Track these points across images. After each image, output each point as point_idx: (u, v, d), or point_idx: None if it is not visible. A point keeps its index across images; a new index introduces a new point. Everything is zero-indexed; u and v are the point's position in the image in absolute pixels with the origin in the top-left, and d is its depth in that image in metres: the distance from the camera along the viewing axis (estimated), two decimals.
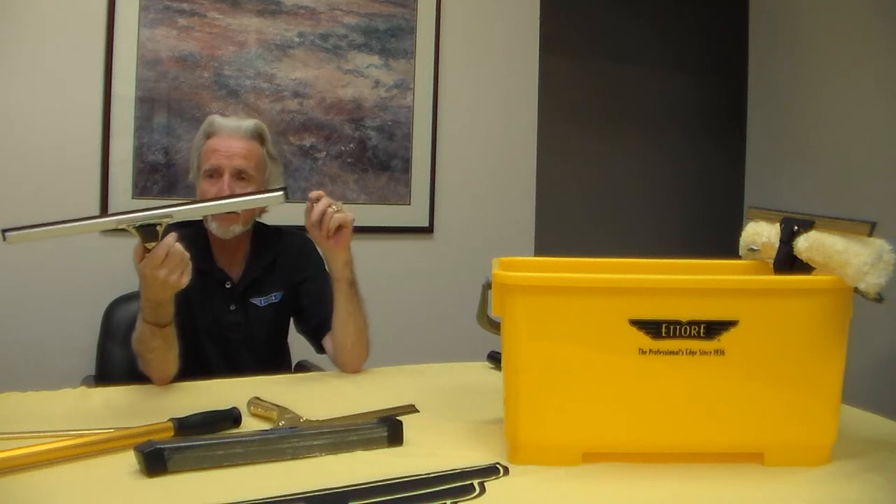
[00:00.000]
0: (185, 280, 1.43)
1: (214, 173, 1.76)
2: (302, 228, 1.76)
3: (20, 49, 2.27)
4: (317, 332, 1.82)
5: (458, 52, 2.82)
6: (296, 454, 1.15)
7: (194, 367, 1.66)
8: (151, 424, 1.21)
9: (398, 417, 1.25)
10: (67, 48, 2.31)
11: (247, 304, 1.84)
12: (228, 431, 1.26)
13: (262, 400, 1.39)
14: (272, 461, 1.13)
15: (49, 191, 2.31)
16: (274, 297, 1.86)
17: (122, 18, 2.35)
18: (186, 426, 1.22)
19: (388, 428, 1.21)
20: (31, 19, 2.28)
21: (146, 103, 2.40)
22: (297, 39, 2.58)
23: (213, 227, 1.78)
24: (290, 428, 1.21)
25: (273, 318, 1.87)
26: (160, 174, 2.42)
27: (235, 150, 1.77)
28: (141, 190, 2.40)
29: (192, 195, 2.36)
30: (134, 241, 1.44)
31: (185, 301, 1.70)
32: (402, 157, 2.75)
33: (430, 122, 2.78)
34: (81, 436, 1.16)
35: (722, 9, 3.54)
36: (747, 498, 1.06)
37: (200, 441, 1.13)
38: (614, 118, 3.43)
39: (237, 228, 1.79)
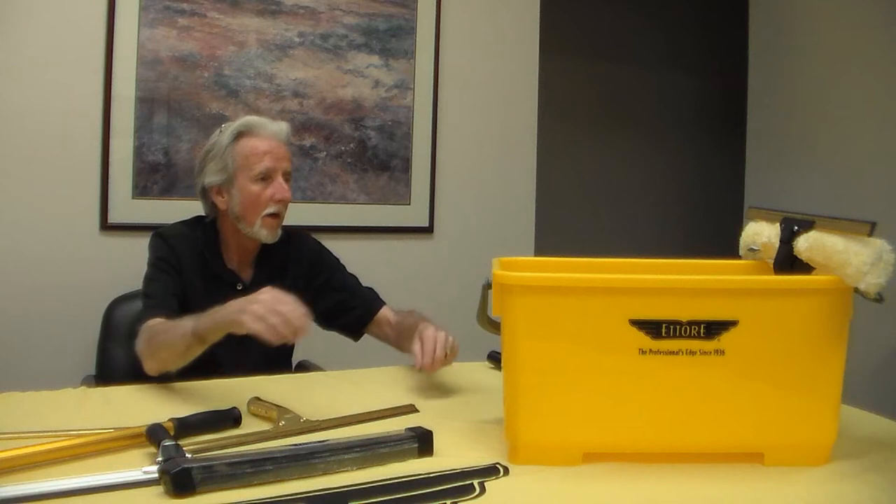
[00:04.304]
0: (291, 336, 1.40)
1: (266, 176, 1.73)
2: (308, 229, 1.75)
3: (20, 49, 2.27)
4: (360, 321, 1.86)
5: (458, 52, 2.82)
6: (327, 470, 1.10)
7: (200, 368, 1.62)
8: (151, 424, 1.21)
9: (399, 417, 1.24)
10: (67, 48, 2.31)
11: None
12: (255, 446, 1.19)
13: (262, 400, 1.39)
14: (303, 478, 1.07)
15: (49, 191, 2.31)
16: None
17: (122, 18, 2.35)
18: (186, 426, 1.22)
19: (417, 439, 1.18)
20: (31, 19, 2.28)
21: (146, 103, 2.40)
22: (297, 39, 2.58)
23: (262, 234, 1.75)
24: (321, 441, 1.16)
25: None
26: (160, 174, 2.42)
27: (283, 153, 1.77)
28: (141, 190, 2.40)
29: (190, 195, 2.36)
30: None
31: (197, 303, 1.69)
32: (402, 157, 2.75)
33: (430, 122, 2.78)
34: (81, 436, 1.16)
35: (722, 9, 3.54)
36: (747, 498, 1.06)
37: (229, 459, 1.07)
38: (615, 118, 3.43)
39: (280, 229, 1.79)
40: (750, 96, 3.43)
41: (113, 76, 2.34)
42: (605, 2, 3.39)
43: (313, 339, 1.87)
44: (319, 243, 1.95)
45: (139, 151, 2.40)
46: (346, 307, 1.87)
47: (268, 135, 1.76)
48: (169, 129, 2.43)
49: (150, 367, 1.56)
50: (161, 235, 1.78)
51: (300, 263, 1.86)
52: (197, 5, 2.44)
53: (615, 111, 3.43)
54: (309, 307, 1.81)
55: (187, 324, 1.50)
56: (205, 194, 1.81)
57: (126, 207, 2.38)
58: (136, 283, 2.23)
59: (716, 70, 3.56)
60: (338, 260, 1.94)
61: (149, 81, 2.40)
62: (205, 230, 1.81)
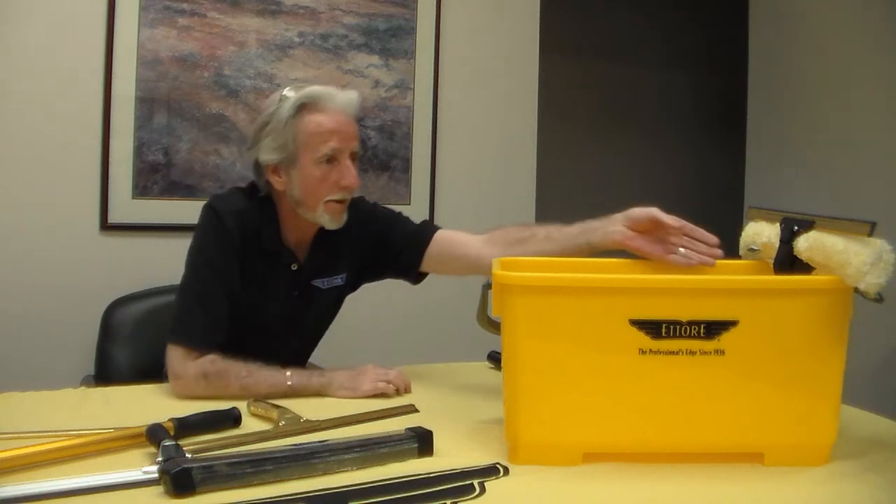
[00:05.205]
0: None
1: (332, 158, 1.55)
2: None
3: (20, 49, 2.27)
4: (412, 266, 1.70)
5: (458, 52, 2.82)
6: (327, 470, 1.09)
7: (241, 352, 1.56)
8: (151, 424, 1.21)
9: (399, 417, 1.24)
10: (67, 48, 2.31)
11: (309, 287, 1.66)
12: (255, 446, 1.19)
13: (262, 400, 1.39)
14: (303, 478, 1.07)
15: (49, 191, 2.31)
16: (339, 280, 1.70)
17: (122, 18, 2.35)
18: (186, 426, 1.22)
19: (417, 439, 1.18)
20: (31, 19, 2.28)
21: (146, 103, 2.40)
22: (297, 39, 2.58)
23: (325, 219, 1.58)
24: (321, 441, 1.15)
25: (332, 303, 1.73)
26: (160, 174, 2.42)
27: (352, 131, 1.57)
28: (141, 190, 2.40)
29: (190, 195, 2.36)
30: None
31: (250, 281, 1.58)
32: (402, 157, 2.75)
33: (430, 122, 2.78)
34: (81, 436, 1.16)
35: (722, 8, 3.54)
36: (747, 498, 1.06)
37: (229, 459, 1.07)
38: (614, 118, 3.43)
39: (345, 214, 1.61)
40: (750, 96, 3.42)
41: (113, 76, 2.34)
42: (605, 2, 3.39)
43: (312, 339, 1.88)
44: (374, 209, 1.76)
45: (139, 151, 2.40)
46: (399, 256, 1.71)
47: (335, 109, 1.56)
48: (169, 129, 2.43)
49: (190, 394, 1.47)
50: (216, 211, 1.57)
51: (358, 243, 1.70)
52: (197, 5, 2.44)
53: (615, 111, 3.43)
54: (357, 283, 1.76)
55: (277, 376, 1.49)
56: (259, 170, 1.61)
57: (126, 207, 2.38)
58: (137, 284, 2.24)
59: (716, 70, 3.56)
60: (394, 216, 1.75)
61: (149, 81, 2.40)
62: (261, 204, 1.62)
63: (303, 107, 1.54)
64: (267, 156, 1.56)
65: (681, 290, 1.15)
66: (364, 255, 1.71)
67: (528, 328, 1.14)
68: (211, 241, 1.56)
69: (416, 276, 1.74)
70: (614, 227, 1.45)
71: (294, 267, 1.64)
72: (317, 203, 1.56)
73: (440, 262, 1.69)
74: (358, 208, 1.69)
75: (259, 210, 1.60)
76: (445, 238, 1.69)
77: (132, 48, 2.37)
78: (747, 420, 1.15)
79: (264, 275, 1.60)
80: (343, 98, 1.57)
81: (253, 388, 1.45)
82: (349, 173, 1.56)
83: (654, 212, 1.41)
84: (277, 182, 1.58)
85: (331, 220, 1.58)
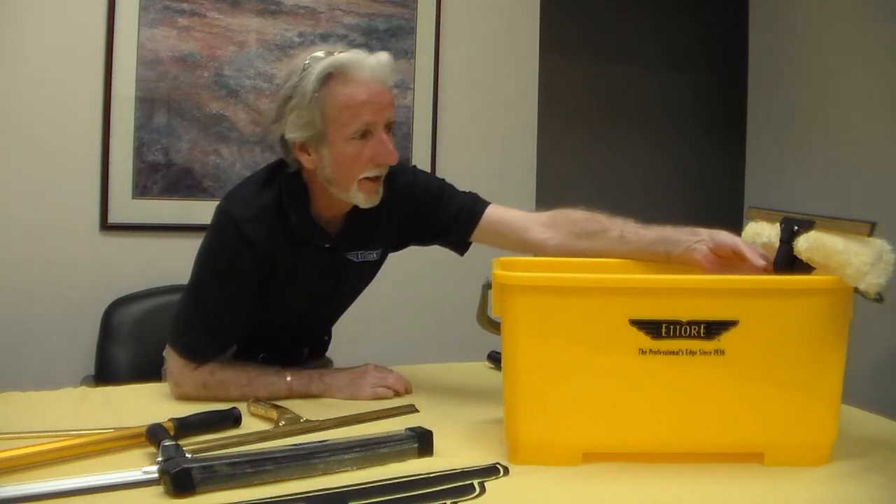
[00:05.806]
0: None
1: (366, 132, 1.42)
2: None
3: (20, 49, 2.27)
4: (461, 241, 1.67)
5: (458, 52, 2.82)
6: (327, 470, 1.09)
7: (263, 336, 1.57)
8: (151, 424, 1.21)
9: (399, 417, 1.24)
10: (67, 48, 2.31)
11: (342, 261, 1.57)
12: (255, 446, 1.19)
13: (262, 400, 1.39)
14: (303, 478, 1.07)
15: (49, 191, 2.31)
16: (374, 255, 1.61)
17: (122, 18, 2.35)
18: (186, 426, 1.22)
19: (417, 439, 1.18)
20: (31, 19, 2.28)
21: (146, 103, 2.40)
22: (297, 39, 2.58)
23: (359, 198, 1.46)
24: (321, 441, 1.15)
25: (362, 278, 1.66)
26: (160, 174, 2.42)
27: (386, 100, 1.43)
28: (141, 190, 2.40)
29: (190, 195, 2.35)
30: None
31: (284, 272, 1.51)
32: (402, 157, 2.74)
33: (430, 122, 2.78)
34: (81, 436, 1.16)
35: (722, 9, 3.54)
36: (747, 498, 1.06)
37: (229, 459, 1.07)
38: (614, 118, 3.43)
39: (380, 191, 1.50)
40: (750, 96, 3.42)
41: (113, 76, 2.34)
42: (605, 2, 3.39)
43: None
44: (414, 181, 1.65)
45: (139, 151, 2.40)
46: (446, 232, 1.66)
47: (366, 77, 1.41)
48: (169, 129, 2.43)
49: (189, 399, 1.46)
50: (232, 218, 1.47)
51: (396, 217, 1.60)
52: (197, 5, 2.44)
53: (615, 111, 3.43)
54: (406, 244, 1.71)
55: (277, 383, 1.48)
56: (286, 147, 1.48)
57: (126, 207, 2.39)
58: (137, 284, 2.24)
59: (716, 69, 3.56)
60: (438, 190, 1.66)
61: (149, 81, 2.40)
62: (288, 182, 1.50)
63: (329, 77, 1.40)
64: (293, 133, 1.43)
65: (681, 290, 1.15)
66: (403, 229, 1.63)
67: (528, 328, 1.14)
68: (223, 253, 1.49)
69: (464, 248, 1.71)
70: (697, 245, 1.37)
71: (327, 245, 1.54)
72: (350, 182, 1.45)
73: (491, 239, 1.64)
74: (396, 180, 1.56)
75: (285, 195, 1.49)
76: (498, 216, 1.65)
77: (132, 48, 2.37)
78: (747, 420, 1.15)
79: (295, 259, 1.51)
80: (373, 63, 1.42)
81: (252, 396, 1.43)
82: (385, 148, 1.43)
83: (740, 245, 1.32)
84: (307, 160, 1.46)
85: (365, 198, 1.47)
